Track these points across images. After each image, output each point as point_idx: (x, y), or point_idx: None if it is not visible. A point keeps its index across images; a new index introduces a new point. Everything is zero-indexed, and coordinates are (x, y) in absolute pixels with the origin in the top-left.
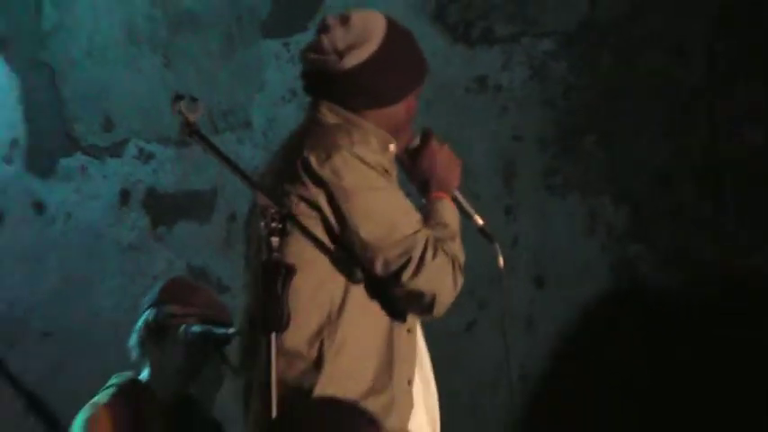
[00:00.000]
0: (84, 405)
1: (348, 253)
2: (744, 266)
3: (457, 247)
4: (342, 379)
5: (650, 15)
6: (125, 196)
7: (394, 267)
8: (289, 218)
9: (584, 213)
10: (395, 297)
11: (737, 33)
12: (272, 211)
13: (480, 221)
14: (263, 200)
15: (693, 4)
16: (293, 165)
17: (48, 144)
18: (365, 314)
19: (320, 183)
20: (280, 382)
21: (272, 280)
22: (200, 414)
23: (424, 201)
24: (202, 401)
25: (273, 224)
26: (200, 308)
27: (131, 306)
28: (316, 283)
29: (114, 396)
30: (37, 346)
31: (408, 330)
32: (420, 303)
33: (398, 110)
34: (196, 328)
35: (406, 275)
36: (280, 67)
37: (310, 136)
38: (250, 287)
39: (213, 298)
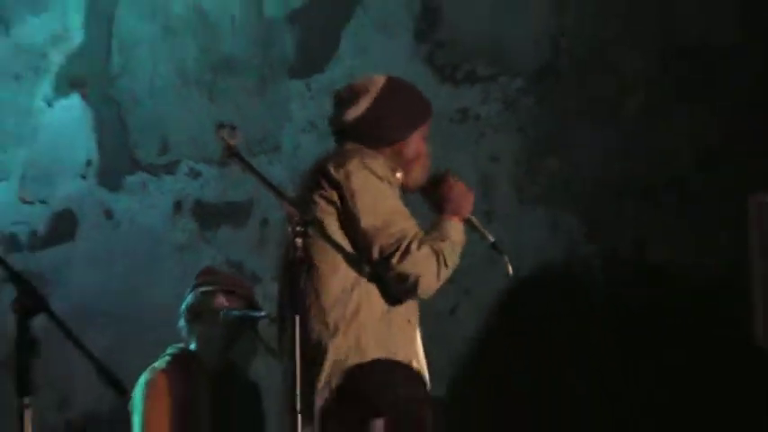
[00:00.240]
0: (144, 371)
1: (355, 246)
2: (686, 267)
3: (447, 250)
4: (347, 348)
5: (600, 59)
6: (178, 206)
7: (386, 253)
8: (310, 223)
9: (548, 221)
10: (387, 280)
11: (675, 67)
12: (297, 217)
13: (491, 239)
14: (289, 208)
15: (630, 59)
16: (316, 175)
17: (115, 164)
18: (370, 299)
19: (335, 184)
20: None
21: (296, 273)
22: (239, 377)
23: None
24: (241, 367)
25: (298, 228)
26: (225, 285)
27: (182, 294)
28: (336, 277)
29: (169, 363)
30: (107, 326)
31: (408, 321)
32: (405, 285)
33: (405, 147)
34: (235, 312)
35: (394, 260)
36: (303, 103)
37: (331, 156)
38: (280, 279)
39: (235, 277)
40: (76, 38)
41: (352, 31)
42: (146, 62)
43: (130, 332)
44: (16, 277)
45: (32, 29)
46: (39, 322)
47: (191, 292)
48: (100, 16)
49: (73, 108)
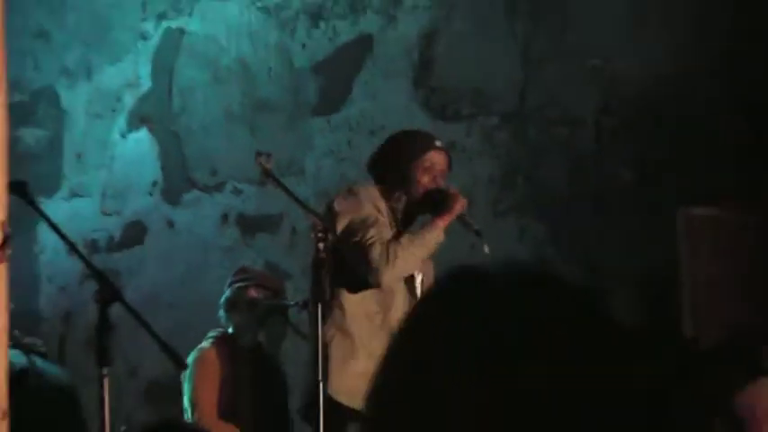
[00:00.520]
0: (192, 351)
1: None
2: (630, 266)
3: (401, 248)
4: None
5: (556, 103)
6: (224, 218)
7: (354, 250)
8: (330, 231)
9: (517, 228)
10: (354, 266)
11: (620, 110)
12: (319, 227)
13: (476, 227)
14: (313, 219)
15: (581, 100)
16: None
17: (176, 184)
18: (350, 298)
19: (330, 208)
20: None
21: (318, 271)
22: (269, 357)
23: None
24: (271, 348)
25: (320, 234)
26: (256, 280)
27: None
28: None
29: (213, 344)
30: (167, 314)
31: (366, 316)
32: (362, 268)
33: (405, 178)
34: (267, 302)
35: (361, 252)
36: (323, 135)
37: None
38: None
39: (265, 273)
40: (145, 84)
41: (363, 78)
42: (199, 104)
43: (187, 318)
44: (97, 274)
45: (110, 77)
46: (115, 310)
47: (228, 287)
48: (164, 67)
49: (142, 140)
